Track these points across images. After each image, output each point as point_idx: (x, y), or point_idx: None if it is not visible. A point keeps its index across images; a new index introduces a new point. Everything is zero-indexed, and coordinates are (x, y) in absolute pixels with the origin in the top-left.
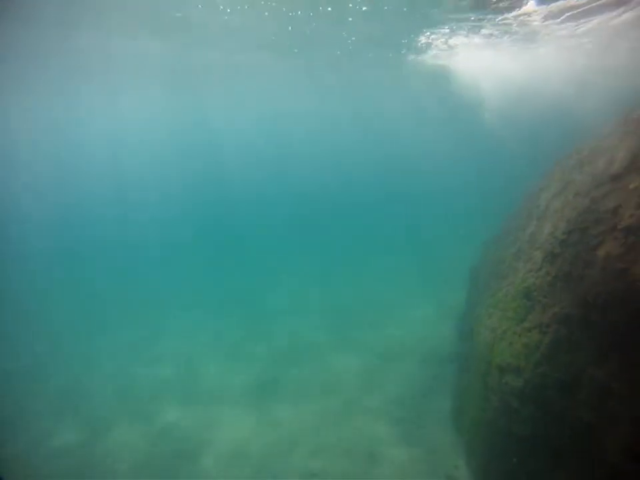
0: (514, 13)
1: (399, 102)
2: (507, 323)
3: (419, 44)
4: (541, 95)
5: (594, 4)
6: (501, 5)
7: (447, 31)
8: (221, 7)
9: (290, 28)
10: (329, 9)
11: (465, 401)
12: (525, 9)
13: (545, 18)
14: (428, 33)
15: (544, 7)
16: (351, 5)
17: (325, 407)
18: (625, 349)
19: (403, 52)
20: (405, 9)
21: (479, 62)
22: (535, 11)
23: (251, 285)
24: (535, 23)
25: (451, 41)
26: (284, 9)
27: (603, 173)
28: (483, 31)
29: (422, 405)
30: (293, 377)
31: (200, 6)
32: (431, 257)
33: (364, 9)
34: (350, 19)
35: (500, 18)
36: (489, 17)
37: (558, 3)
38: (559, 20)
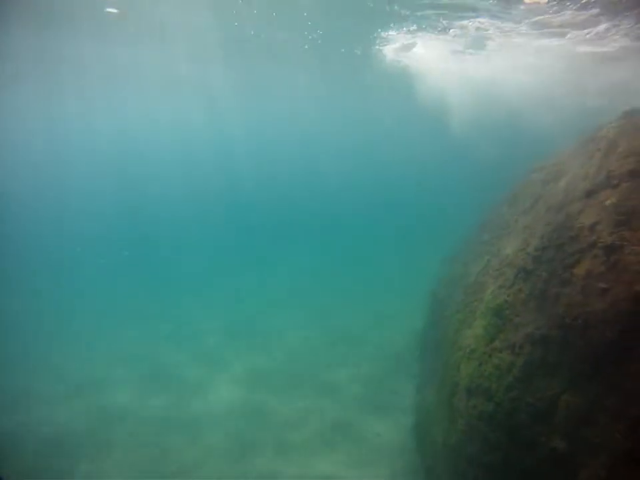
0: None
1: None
2: (476, 341)
3: (381, 42)
4: (506, 104)
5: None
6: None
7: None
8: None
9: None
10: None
11: (428, 421)
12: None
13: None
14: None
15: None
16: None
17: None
18: (606, 374)
19: (357, 51)
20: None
21: (444, 65)
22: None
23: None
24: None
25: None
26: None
27: (576, 188)
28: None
29: (381, 421)
30: None
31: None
32: (387, 268)
33: None
34: (305, 14)
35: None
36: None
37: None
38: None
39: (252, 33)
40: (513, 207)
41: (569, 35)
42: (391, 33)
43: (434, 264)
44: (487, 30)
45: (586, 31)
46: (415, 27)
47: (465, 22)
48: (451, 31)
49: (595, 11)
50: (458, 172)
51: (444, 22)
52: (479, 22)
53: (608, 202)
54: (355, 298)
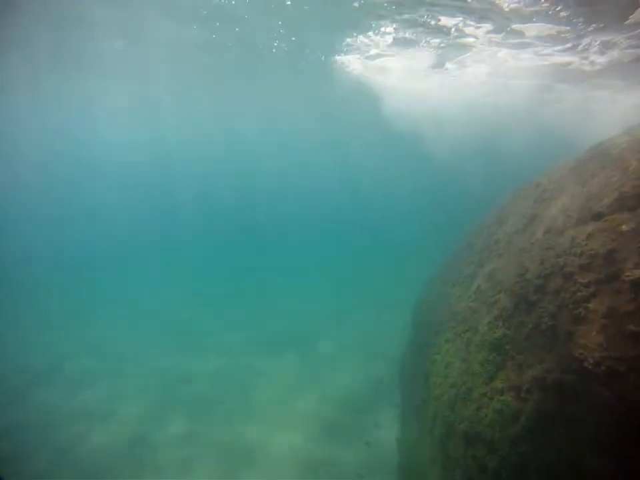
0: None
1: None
2: (472, 378)
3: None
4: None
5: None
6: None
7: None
8: None
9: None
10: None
11: (415, 462)
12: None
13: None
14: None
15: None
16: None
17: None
18: None
19: (322, 58)
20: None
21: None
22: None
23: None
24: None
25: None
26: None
27: (579, 209)
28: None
29: (365, 456)
30: None
31: None
32: (367, 288)
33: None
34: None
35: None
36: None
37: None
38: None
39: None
40: (504, 225)
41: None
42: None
43: (418, 284)
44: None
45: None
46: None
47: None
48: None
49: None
50: (442, 189)
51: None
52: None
53: (624, 227)
54: (339, 317)
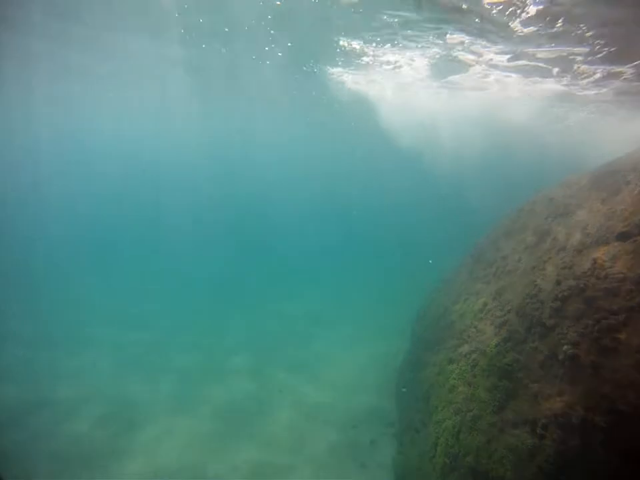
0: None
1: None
2: (479, 406)
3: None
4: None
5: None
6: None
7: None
8: None
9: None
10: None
11: None
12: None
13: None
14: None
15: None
16: None
17: None
18: None
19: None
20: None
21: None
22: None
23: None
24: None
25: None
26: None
27: (601, 227)
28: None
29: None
30: None
31: None
32: (367, 300)
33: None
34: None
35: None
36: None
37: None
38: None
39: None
40: (511, 239)
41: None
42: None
43: (419, 296)
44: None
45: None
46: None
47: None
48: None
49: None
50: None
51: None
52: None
53: None
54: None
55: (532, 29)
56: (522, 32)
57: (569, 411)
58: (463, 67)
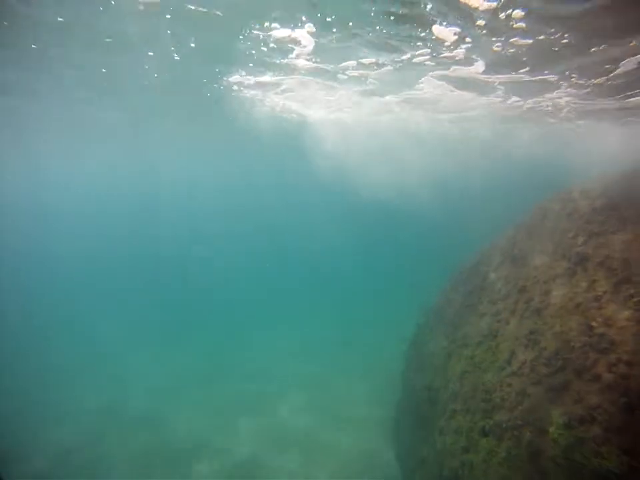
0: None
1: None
2: None
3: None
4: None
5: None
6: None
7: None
8: None
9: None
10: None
11: None
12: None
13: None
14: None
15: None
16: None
17: None
18: None
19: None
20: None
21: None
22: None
23: None
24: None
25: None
26: None
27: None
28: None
29: None
30: None
31: None
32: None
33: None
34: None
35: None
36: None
37: None
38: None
39: None
40: (526, 267)
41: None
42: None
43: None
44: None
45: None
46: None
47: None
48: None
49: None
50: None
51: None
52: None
53: None
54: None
55: None
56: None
57: None
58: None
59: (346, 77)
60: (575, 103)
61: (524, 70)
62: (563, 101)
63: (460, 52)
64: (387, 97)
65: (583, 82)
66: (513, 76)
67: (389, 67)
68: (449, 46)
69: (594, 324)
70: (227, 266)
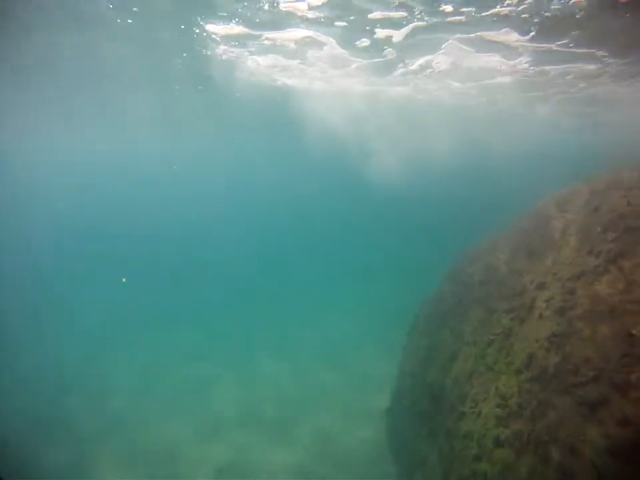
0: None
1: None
2: None
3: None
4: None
5: None
6: None
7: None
8: None
9: None
10: None
11: None
12: None
13: None
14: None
15: None
16: None
17: None
18: None
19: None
20: None
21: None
22: None
23: None
24: None
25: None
26: None
27: None
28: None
29: None
30: None
31: None
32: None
33: None
34: None
35: None
36: None
37: None
38: None
39: None
40: (548, 259)
41: None
42: None
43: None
44: None
45: None
46: None
47: None
48: None
49: None
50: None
51: None
52: None
53: None
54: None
55: None
56: None
57: None
58: None
59: None
60: None
61: None
62: None
63: None
64: None
65: None
66: None
67: None
68: None
69: (634, 332)
70: (222, 245)
